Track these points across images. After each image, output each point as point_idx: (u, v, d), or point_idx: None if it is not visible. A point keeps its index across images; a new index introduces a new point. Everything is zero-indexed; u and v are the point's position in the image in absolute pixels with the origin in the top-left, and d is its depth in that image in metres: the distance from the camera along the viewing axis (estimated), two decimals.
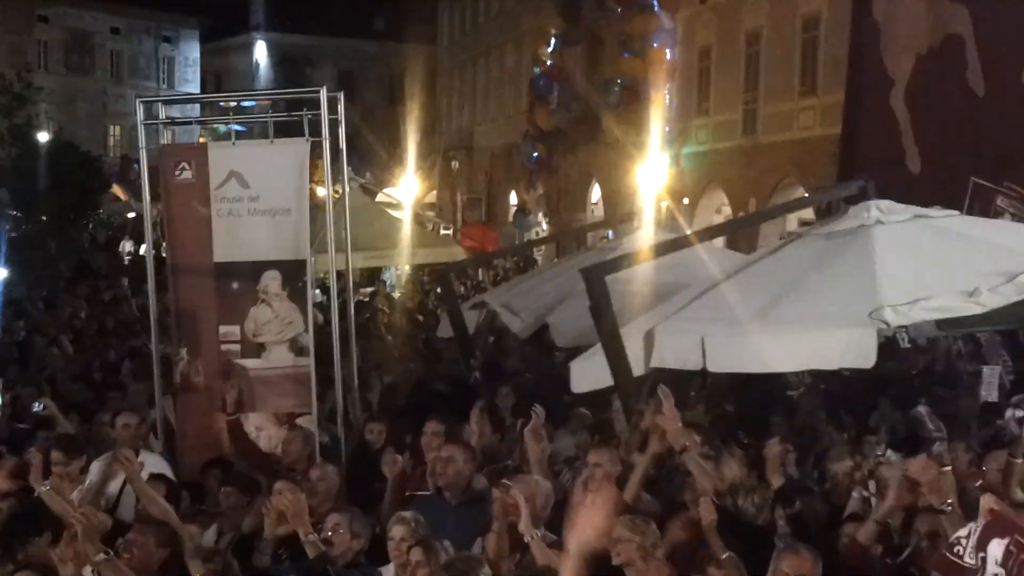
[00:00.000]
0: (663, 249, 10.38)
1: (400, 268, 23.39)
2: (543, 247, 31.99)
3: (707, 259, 10.26)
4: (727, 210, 29.09)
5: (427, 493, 7.25)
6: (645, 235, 14.18)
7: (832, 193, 12.82)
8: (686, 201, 29.70)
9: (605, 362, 8.38)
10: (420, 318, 19.21)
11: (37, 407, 9.75)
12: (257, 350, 9.17)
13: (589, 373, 8.73)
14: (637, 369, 8.30)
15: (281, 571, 6.12)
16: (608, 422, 8.97)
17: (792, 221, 22.04)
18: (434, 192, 46.08)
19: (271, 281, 9.21)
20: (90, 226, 36.53)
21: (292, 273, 9.20)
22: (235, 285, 9.26)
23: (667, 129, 30.12)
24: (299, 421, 8.88)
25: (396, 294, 22.96)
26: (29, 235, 30.24)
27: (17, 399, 10.94)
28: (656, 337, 8.19)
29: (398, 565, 5.77)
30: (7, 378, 11.39)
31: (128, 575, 5.41)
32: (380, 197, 30.44)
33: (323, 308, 12.79)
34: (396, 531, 5.93)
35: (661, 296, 9.87)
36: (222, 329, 9.23)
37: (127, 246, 35.41)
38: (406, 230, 20.25)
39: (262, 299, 9.21)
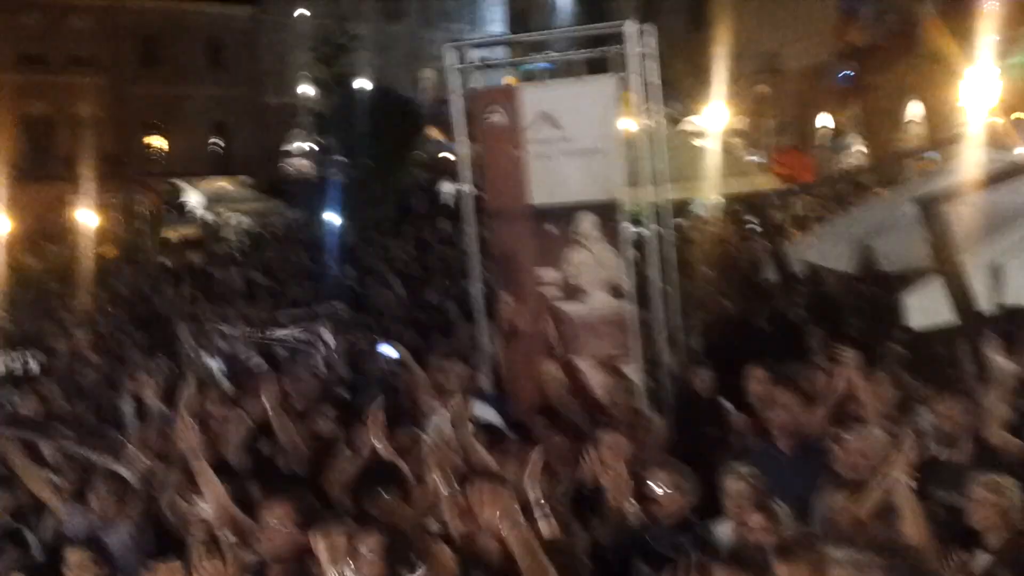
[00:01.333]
0: (1005, 175, 9.52)
1: (708, 199, 22.80)
2: None
3: None
4: None
5: (761, 444, 6.98)
6: (977, 156, 13.11)
7: None
8: (1020, 116, 27.48)
9: (943, 295, 7.78)
10: (735, 252, 18.62)
11: (389, 352, 9.94)
12: (576, 293, 9.15)
13: (927, 307, 8.11)
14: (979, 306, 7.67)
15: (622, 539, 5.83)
16: (951, 364, 8.30)
17: None
18: (739, 119, 44.89)
19: (586, 223, 9.13)
20: (410, 168, 37.73)
21: (606, 214, 9.08)
22: (551, 228, 9.25)
23: (994, 38, 27.87)
24: (624, 368, 8.77)
25: (707, 226, 22.42)
26: (355, 180, 31.54)
27: (354, 344, 11.30)
28: (1005, 271, 7.52)
29: (737, 523, 5.58)
30: (342, 323, 11.80)
31: (468, 512, 5.24)
32: (683, 126, 29.82)
33: (637, 245, 12.62)
34: (732, 487, 5.74)
35: (1003, 222, 9.05)
36: (540, 273, 9.26)
37: (445, 187, 36.32)
38: (714, 159, 19.67)
39: (578, 242, 9.16)
